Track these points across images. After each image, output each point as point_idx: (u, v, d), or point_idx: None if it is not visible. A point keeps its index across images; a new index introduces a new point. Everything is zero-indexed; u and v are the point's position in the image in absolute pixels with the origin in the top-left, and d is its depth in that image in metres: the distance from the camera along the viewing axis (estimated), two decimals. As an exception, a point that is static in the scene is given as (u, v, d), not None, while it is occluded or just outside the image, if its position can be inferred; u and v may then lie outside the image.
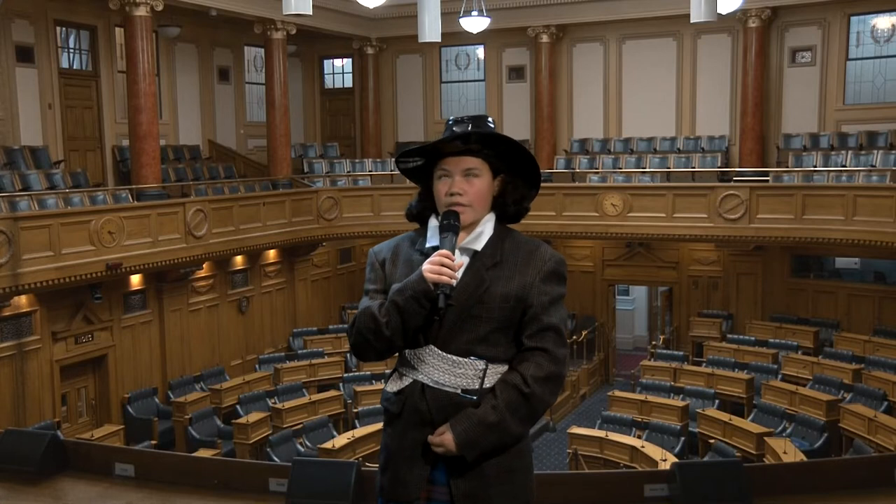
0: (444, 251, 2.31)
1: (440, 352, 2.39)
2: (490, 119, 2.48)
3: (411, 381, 2.43)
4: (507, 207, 2.49)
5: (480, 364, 2.39)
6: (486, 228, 2.45)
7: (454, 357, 2.39)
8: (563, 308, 2.46)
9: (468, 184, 2.41)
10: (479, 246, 2.42)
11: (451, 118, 2.48)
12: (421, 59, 19.77)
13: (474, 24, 15.25)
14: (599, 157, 17.79)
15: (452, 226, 2.37)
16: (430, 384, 2.40)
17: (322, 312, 17.74)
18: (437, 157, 2.45)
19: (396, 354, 2.51)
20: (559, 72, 18.44)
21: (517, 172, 2.50)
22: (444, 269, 2.28)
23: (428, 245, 2.44)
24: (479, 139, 2.40)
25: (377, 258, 2.53)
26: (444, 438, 2.33)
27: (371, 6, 12.97)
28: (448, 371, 2.39)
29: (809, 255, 16.31)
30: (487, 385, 2.39)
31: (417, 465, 2.41)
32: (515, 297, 2.37)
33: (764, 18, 16.34)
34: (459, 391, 2.38)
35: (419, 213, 2.54)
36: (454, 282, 2.30)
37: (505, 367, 2.41)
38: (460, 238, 2.41)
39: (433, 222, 2.47)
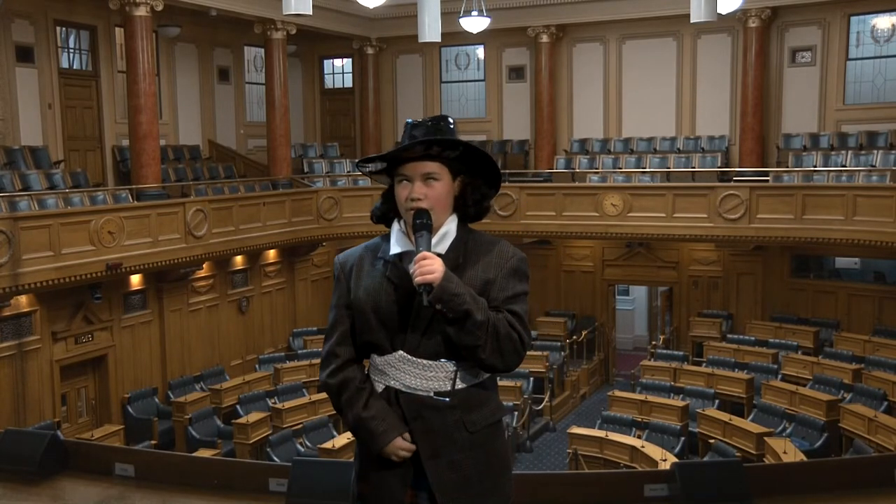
0: (421, 253, 2.31)
1: (409, 357, 2.41)
2: (450, 119, 2.48)
3: (384, 387, 2.46)
4: (468, 208, 2.50)
5: (450, 366, 2.41)
6: (450, 230, 2.46)
7: (424, 361, 2.41)
8: (526, 304, 2.46)
9: (428, 188, 2.42)
10: (442, 249, 2.43)
11: (410, 120, 2.49)
12: (421, 59, 19.77)
13: (474, 24, 15.25)
14: (599, 157, 17.78)
15: (425, 224, 2.38)
16: (403, 389, 2.43)
17: (322, 312, 17.71)
18: (397, 161, 2.46)
19: (366, 361, 2.54)
20: (559, 72, 18.43)
21: (477, 173, 2.51)
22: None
23: (392, 252, 2.46)
24: (439, 144, 2.40)
25: (343, 271, 2.55)
26: (437, 263, 2.29)
27: (371, 6, 12.97)
28: (419, 375, 2.41)
29: (809, 255, 16.31)
30: (459, 386, 2.42)
31: (400, 468, 2.43)
32: (479, 295, 2.37)
33: (764, 18, 16.34)
34: (432, 394, 2.41)
35: (383, 215, 2.55)
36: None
37: (475, 368, 2.43)
38: None
39: (396, 226, 2.49)
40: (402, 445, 2.40)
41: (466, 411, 2.42)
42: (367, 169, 2.54)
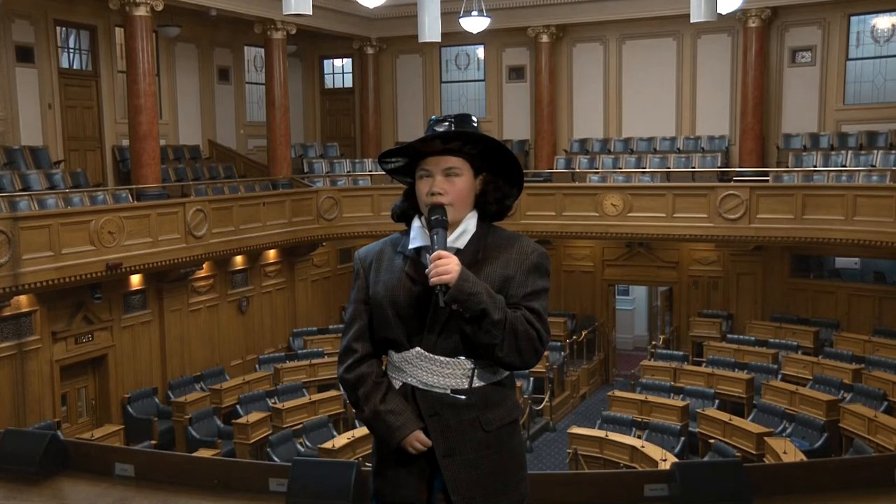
0: (437, 252, 2.31)
1: (427, 353, 2.41)
2: (474, 118, 2.48)
3: (401, 384, 2.46)
4: (489, 206, 2.49)
5: (468, 363, 2.40)
6: (469, 227, 2.45)
7: (441, 358, 2.40)
8: (546, 300, 2.45)
9: (449, 183, 2.41)
10: (461, 244, 2.43)
11: (434, 117, 2.49)
12: (421, 59, 19.77)
13: (474, 24, 15.24)
14: (599, 157, 17.78)
15: (441, 221, 2.37)
16: (420, 386, 2.42)
17: (322, 312, 17.74)
18: (418, 156, 2.45)
19: (384, 357, 2.54)
20: (559, 72, 18.43)
21: (499, 171, 2.50)
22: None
23: (411, 246, 2.45)
24: (459, 138, 2.40)
25: (363, 265, 2.54)
26: (453, 262, 2.28)
27: (371, 6, 12.97)
28: (436, 372, 2.40)
29: (809, 255, 16.31)
30: (476, 384, 2.41)
31: (417, 465, 2.43)
32: (498, 292, 2.37)
33: (764, 18, 16.34)
34: (449, 391, 2.40)
35: (403, 213, 2.55)
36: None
37: (493, 366, 2.42)
38: None
39: (416, 223, 2.48)
40: (419, 438, 2.39)
41: (483, 410, 2.41)
42: (389, 166, 2.53)
